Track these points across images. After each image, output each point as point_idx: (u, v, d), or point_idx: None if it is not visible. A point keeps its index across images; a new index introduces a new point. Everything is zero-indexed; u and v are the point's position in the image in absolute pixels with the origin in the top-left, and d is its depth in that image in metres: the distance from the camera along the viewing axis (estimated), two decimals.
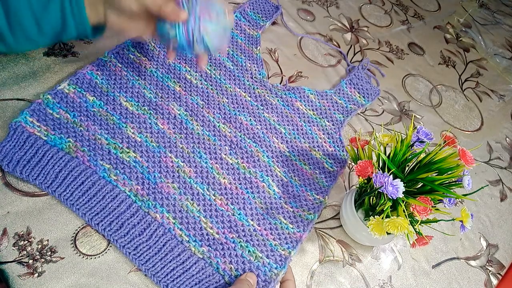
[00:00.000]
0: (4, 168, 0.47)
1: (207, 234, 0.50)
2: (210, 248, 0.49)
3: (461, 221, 0.49)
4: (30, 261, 0.44)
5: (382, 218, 0.47)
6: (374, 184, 0.48)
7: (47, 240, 0.45)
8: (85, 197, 0.48)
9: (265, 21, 0.78)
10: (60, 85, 0.55)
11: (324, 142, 0.65)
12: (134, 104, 0.57)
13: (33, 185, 0.48)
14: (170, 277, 0.47)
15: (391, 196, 0.46)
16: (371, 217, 0.48)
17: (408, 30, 0.96)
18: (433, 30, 1.00)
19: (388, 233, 0.48)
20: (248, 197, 0.55)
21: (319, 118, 0.68)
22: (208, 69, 0.67)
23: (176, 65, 0.64)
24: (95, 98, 0.56)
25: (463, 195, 0.48)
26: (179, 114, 0.59)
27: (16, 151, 0.48)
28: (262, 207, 0.55)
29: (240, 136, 0.61)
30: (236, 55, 0.71)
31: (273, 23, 0.80)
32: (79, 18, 0.46)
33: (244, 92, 0.66)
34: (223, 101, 0.64)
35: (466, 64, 0.96)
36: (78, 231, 0.47)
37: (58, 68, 0.58)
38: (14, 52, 0.51)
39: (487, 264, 0.64)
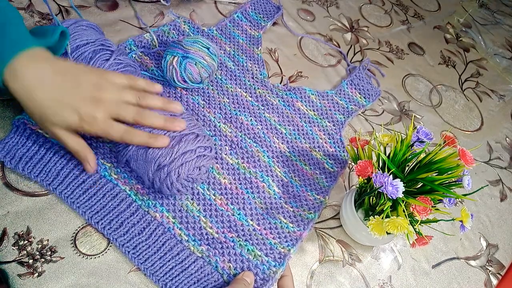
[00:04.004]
0: (6, 165, 0.47)
1: (206, 234, 0.50)
2: (209, 247, 0.49)
3: (461, 221, 0.49)
4: (30, 261, 0.44)
5: (382, 218, 0.47)
6: (374, 184, 0.48)
7: (47, 240, 0.45)
8: (86, 196, 0.48)
9: (266, 21, 0.78)
10: None
11: (325, 142, 0.65)
12: None
13: (34, 182, 0.48)
14: (169, 276, 0.47)
15: (391, 196, 0.46)
16: (371, 217, 0.48)
17: (408, 30, 0.96)
18: (433, 30, 1.00)
19: (388, 233, 0.48)
20: (248, 197, 0.55)
21: (320, 118, 0.68)
22: None
23: None
24: None
25: (463, 195, 0.48)
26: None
27: (19, 147, 0.48)
28: (262, 207, 0.55)
29: (240, 136, 0.61)
30: (237, 55, 0.71)
31: (273, 23, 0.80)
32: None
33: (245, 92, 0.66)
34: (224, 101, 0.64)
35: (466, 64, 0.96)
36: (78, 231, 0.47)
37: None
38: None
39: (487, 264, 0.64)
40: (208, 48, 0.59)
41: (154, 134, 0.46)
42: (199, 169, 0.48)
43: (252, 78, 0.69)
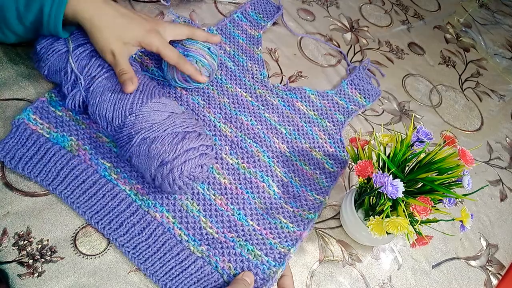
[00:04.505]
0: (6, 165, 0.47)
1: (206, 234, 0.50)
2: (209, 247, 0.49)
3: (461, 221, 0.49)
4: (30, 261, 0.44)
5: (382, 218, 0.47)
6: (374, 184, 0.48)
7: (47, 240, 0.45)
8: (86, 196, 0.48)
9: (266, 21, 0.78)
10: None
11: (325, 142, 0.65)
12: None
13: (34, 182, 0.48)
14: (169, 276, 0.47)
15: (391, 196, 0.46)
16: (371, 217, 0.48)
17: (408, 30, 0.96)
18: (433, 30, 1.00)
19: (388, 233, 0.48)
20: (248, 197, 0.55)
21: (320, 118, 0.68)
22: None
23: None
24: None
25: (463, 195, 0.48)
26: None
27: (19, 148, 0.48)
28: (262, 207, 0.55)
29: (240, 136, 0.61)
30: (237, 55, 0.71)
31: (273, 23, 0.80)
32: (54, 22, 0.47)
33: (245, 92, 0.66)
34: (224, 101, 0.64)
35: (466, 64, 0.96)
36: (78, 231, 0.47)
37: None
38: None
39: (487, 264, 0.64)
40: (208, 48, 0.59)
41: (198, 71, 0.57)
42: (201, 167, 0.48)
43: (252, 78, 0.69)
